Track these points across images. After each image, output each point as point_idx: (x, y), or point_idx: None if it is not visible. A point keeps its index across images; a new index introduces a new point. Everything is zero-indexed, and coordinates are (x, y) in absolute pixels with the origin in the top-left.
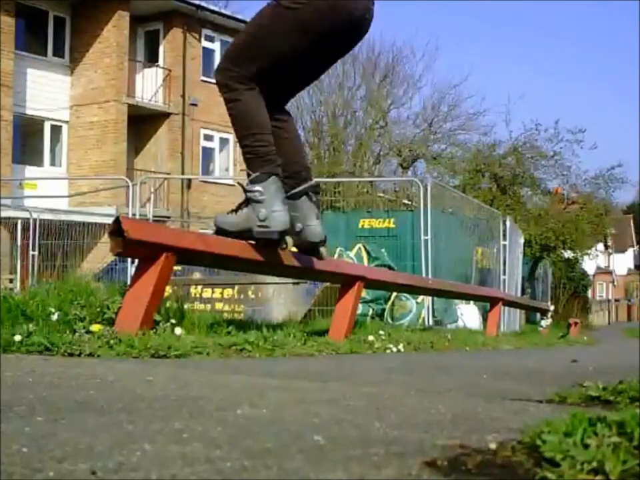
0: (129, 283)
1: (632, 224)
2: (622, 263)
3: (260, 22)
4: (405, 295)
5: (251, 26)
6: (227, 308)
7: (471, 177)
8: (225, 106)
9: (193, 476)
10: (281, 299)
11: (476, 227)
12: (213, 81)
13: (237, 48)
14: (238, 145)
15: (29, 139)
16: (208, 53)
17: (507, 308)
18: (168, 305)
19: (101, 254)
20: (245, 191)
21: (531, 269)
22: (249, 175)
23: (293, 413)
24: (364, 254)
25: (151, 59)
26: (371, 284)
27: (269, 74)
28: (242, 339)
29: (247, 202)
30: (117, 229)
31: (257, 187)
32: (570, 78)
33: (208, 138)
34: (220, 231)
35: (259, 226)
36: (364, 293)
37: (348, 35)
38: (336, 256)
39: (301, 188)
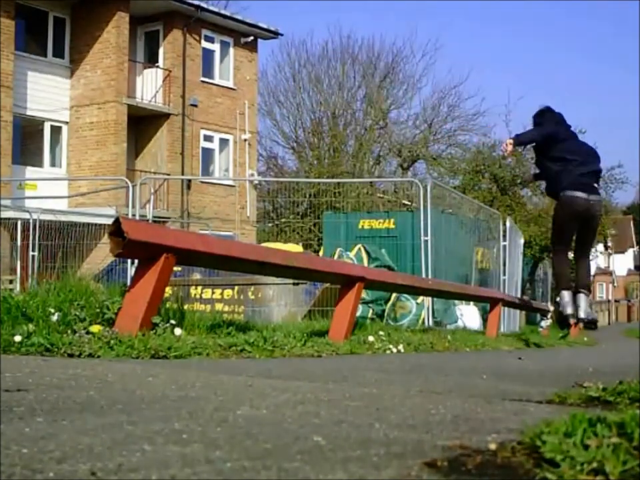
0: (129, 283)
1: (632, 224)
2: (622, 263)
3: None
4: (405, 295)
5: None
6: (226, 308)
7: (470, 177)
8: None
9: (192, 476)
10: (281, 299)
11: (476, 227)
12: (213, 81)
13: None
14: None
15: (28, 139)
16: (208, 53)
17: (506, 308)
18: (168, 305)
19: (101, 255)
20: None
21: (531, 269)
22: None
23: (293, 414)
24: (364, 254)
25: (151, 59)
26: (370, 284)
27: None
28: (242, 340)
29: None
30: (117, 230)
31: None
32: (570, 78)
33: (208, 139)
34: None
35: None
36: (364, 294)
37: (580, 218)
38: (336, 256)
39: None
